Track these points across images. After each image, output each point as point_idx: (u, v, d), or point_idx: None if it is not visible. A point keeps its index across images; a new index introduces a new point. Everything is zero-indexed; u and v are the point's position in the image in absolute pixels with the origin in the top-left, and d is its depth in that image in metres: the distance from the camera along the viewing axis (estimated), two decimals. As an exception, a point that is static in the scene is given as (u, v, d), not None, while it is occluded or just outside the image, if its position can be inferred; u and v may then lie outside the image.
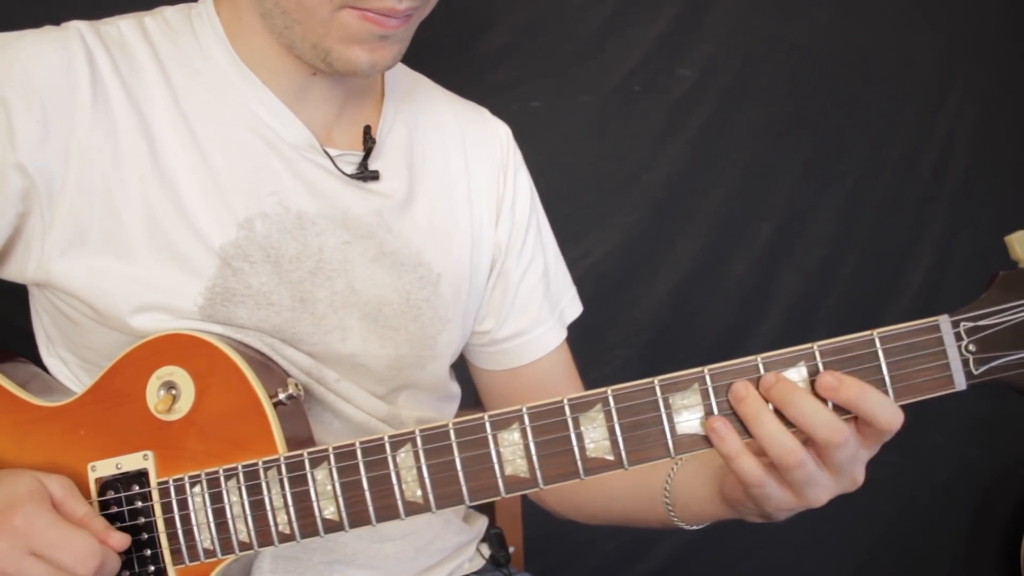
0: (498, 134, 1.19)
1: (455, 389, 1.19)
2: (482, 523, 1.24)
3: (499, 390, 1.21)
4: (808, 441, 0.81)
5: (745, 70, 1.99)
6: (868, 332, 0.82)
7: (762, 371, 0.82)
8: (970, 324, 0.82)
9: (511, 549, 1.24)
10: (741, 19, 1.98)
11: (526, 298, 1.18)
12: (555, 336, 1.20)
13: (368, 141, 1.05)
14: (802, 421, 0.80)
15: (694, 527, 1.01)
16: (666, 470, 1.01)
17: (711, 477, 0.95)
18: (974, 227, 2.16)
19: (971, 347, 0.82)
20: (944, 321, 0.82)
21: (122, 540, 0.88)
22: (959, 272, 2.16)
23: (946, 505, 2.25)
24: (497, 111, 1.22)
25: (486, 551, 1.22)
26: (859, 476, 0.83)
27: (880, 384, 0.82)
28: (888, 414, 0.80)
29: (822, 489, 0.83)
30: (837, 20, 2.05)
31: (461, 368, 1.21)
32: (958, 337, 0.82)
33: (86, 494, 0.91)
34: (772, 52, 2.01)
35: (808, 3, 2.03)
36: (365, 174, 1.04)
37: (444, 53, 1.75)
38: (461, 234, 1.11)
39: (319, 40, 0.94)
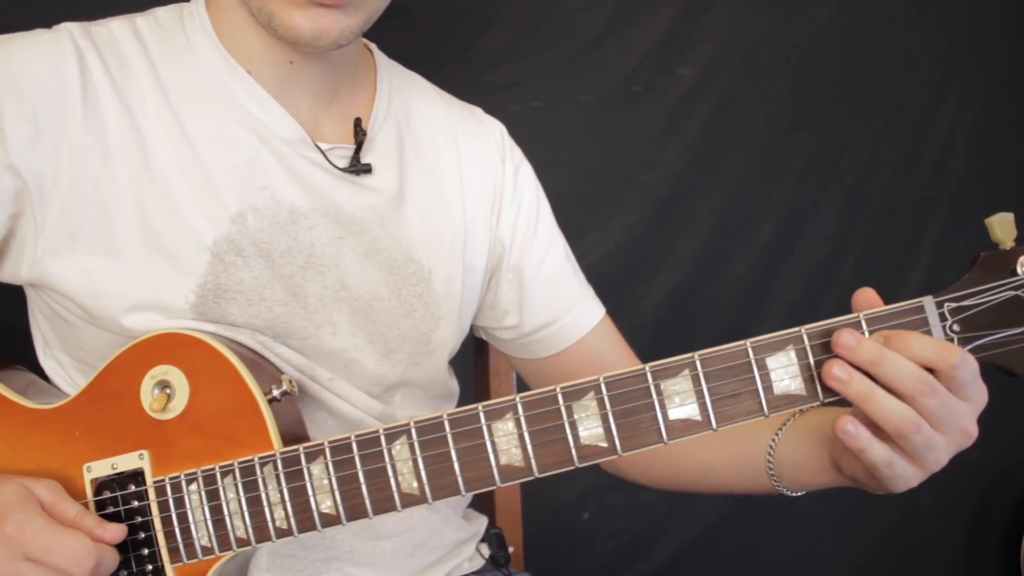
0: (492, 131, 1.19)
1: (453, 386, 1.19)
2: (482, 522, 1.24)
3: (551, 372, 1.19)
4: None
5: (745, 70, 1.99)
6: (854, 315, 0.83)
7: (751, 356, 0.84)
8: (954, 304, 0.83)
9: (511, 549, 1.24)
10: (741, 19, 1.97)
11: (549, 286, 1.17)
12: (593, 313, 1.19)
13: (359, 134, 1.05)
14: (889, 379, 0.79)
15: (798, 493, 1.00)
16: (765, 441, 1.00)
17: (818, 447, 0.94)
18: (974, 227, 2.15)
19: (955, 327, 0.83)
20: (928, 302, 0.83)
21: (117, 531, 0.88)
22: (959, 272, 2.13)
23: (946, 505, 2.24)
24: (497, 111, 1.22)
25: (486, 551, 1.22)
26: (970, 427, 0.82)
27: None
28: (928, 350, 0.80)
29: (940, 451, 0.82)
30: (837, 20, 2.05)
31: (461, 366, 1.21)
32: (942, 317, 0.83)
33: (82, 495, 0.91)
34: (772, 52, 2.01)
35: (808, 3, 2.03)
36: (358, 167, 1.04)
37: (444, 53, 1.76)
38: (453, 231, 1.11)
39: (264, 3, 0.94)
